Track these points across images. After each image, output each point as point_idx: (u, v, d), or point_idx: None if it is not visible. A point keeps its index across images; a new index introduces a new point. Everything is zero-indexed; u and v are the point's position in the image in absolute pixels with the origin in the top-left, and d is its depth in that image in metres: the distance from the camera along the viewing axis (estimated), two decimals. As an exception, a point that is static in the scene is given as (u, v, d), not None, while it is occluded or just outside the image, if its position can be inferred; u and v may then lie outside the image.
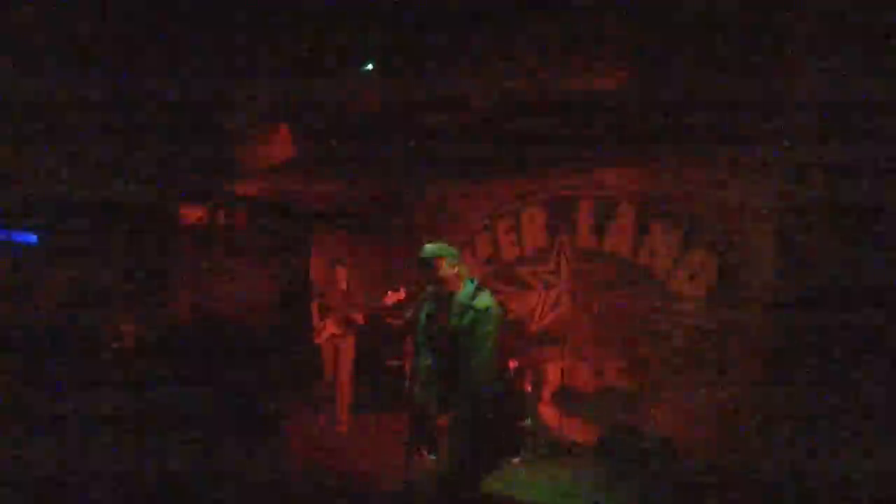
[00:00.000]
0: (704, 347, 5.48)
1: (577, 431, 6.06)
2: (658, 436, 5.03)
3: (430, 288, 3.54)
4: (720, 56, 4.03)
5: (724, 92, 4.51)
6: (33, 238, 4.86)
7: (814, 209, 4.04)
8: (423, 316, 3.60)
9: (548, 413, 6.38)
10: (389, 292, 6.15)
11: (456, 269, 3.41)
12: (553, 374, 6.49)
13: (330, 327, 6.41)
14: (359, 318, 6.40)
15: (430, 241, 3.51)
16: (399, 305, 6.12)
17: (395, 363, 6.97)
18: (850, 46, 3.55)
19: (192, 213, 6.39)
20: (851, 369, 3.63)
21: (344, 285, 6.54)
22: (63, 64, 3.81)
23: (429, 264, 3.40)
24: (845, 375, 3.63)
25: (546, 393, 6.58)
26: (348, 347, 6.44)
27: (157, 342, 4.79)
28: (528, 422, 5.84)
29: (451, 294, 3.40)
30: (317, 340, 6.50)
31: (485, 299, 3.32)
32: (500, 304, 6.29)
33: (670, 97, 4.76)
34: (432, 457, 5.31)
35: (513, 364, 5.89)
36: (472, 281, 3.44)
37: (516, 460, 5.42)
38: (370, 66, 4.93)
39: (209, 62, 4.34)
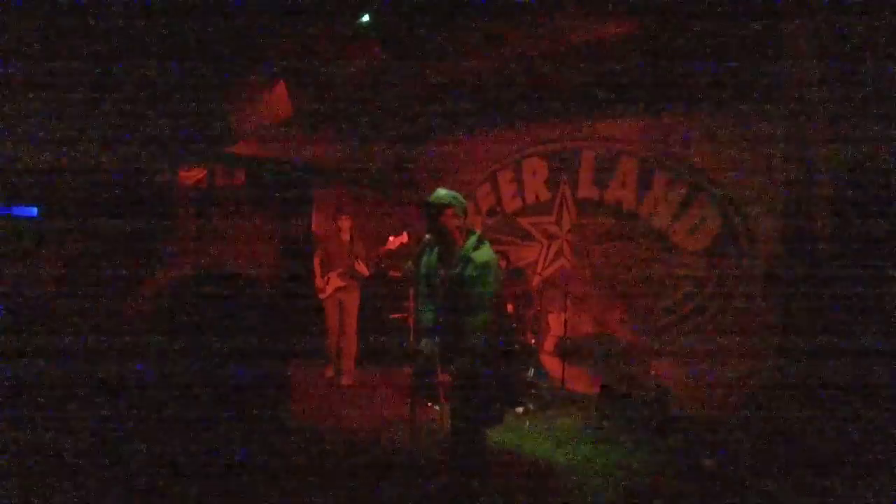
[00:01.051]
0: (704, 300, 5.55)
1: (578, 381, 6.20)
2: (657, 386, 5.14)
3: (429, 237, 3.48)
4: (727, 8, 3.92)
5: (731, 45, 4.41)
6: (33, 211, 4.83)
7: (821, 165, 4.00)
8: (423, 265, 3.58)
9: (550, 363, 6.51)
10: (391, 237, 6.10)
11: (461, 220, 3.37)
12: (555, 324, 6.58)
13: (334, 281, 6.41)
14: (363, 268, 6.42)
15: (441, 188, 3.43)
16: (402, 251, 6.09)
17: (397, 317, 7.01)
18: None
19: (192, 175, 6.34)
20: (852, 326, 3.67)
21: (347, 236, 6.48)
22: (55, 31, 3.72)
23: (436, 210, 3.33)
24: (845, 332, 3.67)
25: (548, 344, 6.70)
26: (353, 300, 6.49)
27: (159, 302, 4.82)
28: (530, 373, 5.97)
29: (454, 245, 3.36)
30: (321, 296, 6.49)
31: (484, 253, 3.28)
32: (502, 254, 6.34)
33: (676, 48, 4.66)
34: (436, 407, 5.47)
35: (511, 307, 5.93)
36: (474, 233, 3.39)
37: (519, 410, 5.56)
38: (367, 18, 4.78)
39: (204, 19, 4.21)
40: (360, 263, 6.41)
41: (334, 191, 7.68)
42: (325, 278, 6.45)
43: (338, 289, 6.42)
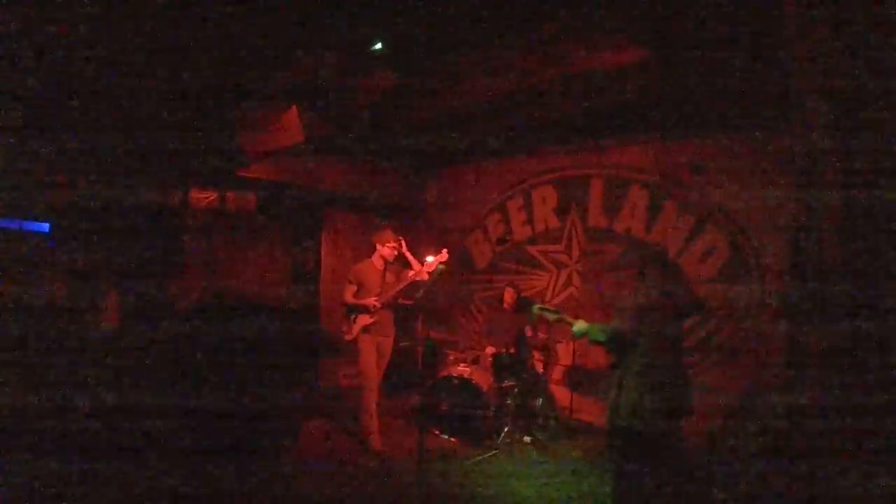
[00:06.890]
0: (713, 329, 5.48)
1: (587, 411, 6.11)
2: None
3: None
4: (735, 37, 3.95)
5: (740, 73, 4.43)
6: (45, 227, 4.89)
7: (831, 194, 3.97)
8: None
9: (558, 393, 6.42)
10: (428, 257, 5.23)
11: None
12: (564, 354, 6.52)
13: (361, 319, 5.29)
14: (393, 291, 5.31)
15: None
16: (441, 268, 5.12)
17: (406, 344, 6.93)
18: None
19: (203, 198, 6.38)
20: (866, 361, 3.58)
21: (382, 266, 5.44)
22: (67, 52, 3.81)
23: None
24: (860, 366, 3.59)
25: (557, 373, 6.63)
26: (390, 342, 5.46)
27: (168, 326, 4.83)
28: (539, 402, 5.90)
29: None
30: (347, 338, 5.38)
31: None
32: (511, 284, 6.34)
33: (685, 77, 4.69)
34: (444, 436, 5.42)
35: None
36: None
37: (527, 440, 5.48)
38: (379, 46, 4.87)
39: (218, 45, 4.30)
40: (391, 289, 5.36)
41: (343, 219, 7.71)
42: (353, 318, 5.33)
43: (368, 327, 5.28)
